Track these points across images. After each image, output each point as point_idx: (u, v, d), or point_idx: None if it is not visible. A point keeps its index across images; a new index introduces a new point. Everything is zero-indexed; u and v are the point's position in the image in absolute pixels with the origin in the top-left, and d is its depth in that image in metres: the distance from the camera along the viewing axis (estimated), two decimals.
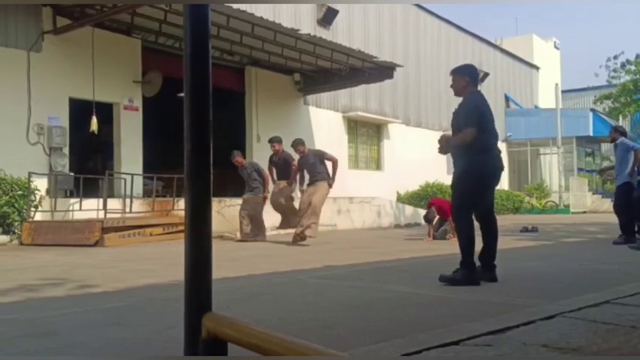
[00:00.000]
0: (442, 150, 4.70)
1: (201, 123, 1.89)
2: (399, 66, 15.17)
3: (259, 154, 15.51)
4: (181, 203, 11.36)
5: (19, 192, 9.66)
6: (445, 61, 22.40)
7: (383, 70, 15.08)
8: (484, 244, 4.82)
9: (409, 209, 15.98)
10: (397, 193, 19.68)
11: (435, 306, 3.82)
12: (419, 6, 22.49)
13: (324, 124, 17.64)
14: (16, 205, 9.58)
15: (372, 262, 6.45)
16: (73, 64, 11.40)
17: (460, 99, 4.86)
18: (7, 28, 10.62)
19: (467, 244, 4.57)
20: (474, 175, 4.60)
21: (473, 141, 4.51)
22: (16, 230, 9.64)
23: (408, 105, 21.37)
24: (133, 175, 11.08)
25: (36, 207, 10.12)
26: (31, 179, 9.99)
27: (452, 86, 4.88)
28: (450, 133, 4.90)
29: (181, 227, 10.73)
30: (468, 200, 4.68)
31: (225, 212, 11.39)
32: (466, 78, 4.80)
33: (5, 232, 9.52)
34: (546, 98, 31.21)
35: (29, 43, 10.91)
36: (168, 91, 13.51)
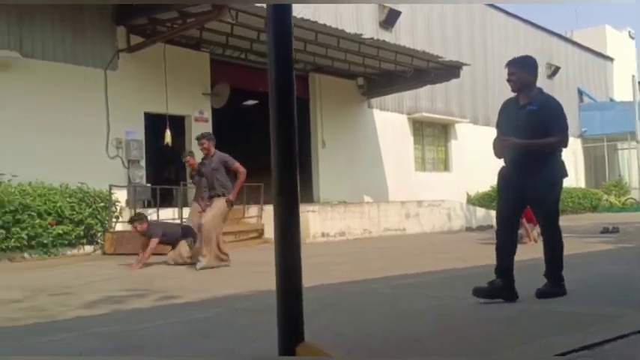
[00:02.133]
0: (504, 153, 4.32)
1: (287, 135, 1.89)
2: (465, 65, 14.84)
3: (325, 160, 15.63)
4: (251, 211, 11.60)
5: (101, 204, 10.14)
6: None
7: (449, 70, 14.80)
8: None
9: (480, 211, 15.58)
10: (467, 194, 19.24)
11: (521, 318, 3.69)
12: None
13: (388, 126, 17.51)
14: (98, 216, 10.07)
15: (447, 270, 6.32)
16: (146, 80, 11.87)
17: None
18: (85, 48, 11.20)
19: (562, 255, 4.37)
20: (561, 183, 4.39)
21: (558, 146, 4.30)
22: (99, 240, 10.12)
23: (476, 103, 20.86)
24: None
25: (117, 218, 10.60)
26: (112, 191, 10.48)
27: (511, 80, 4.37)
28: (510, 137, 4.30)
29: (252, 235, 10.96)
30: (558, 209, 4.47)
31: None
32: (532, 74, 4.38)
33: (89, 243, 10.02)
34: (622, 91, 29.63)
35: (106, 61, 11.46)
36: (235, 102, 13.80)
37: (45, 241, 9.17)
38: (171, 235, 7.92)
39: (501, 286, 4.13)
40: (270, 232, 11.08)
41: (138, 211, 9.50)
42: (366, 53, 13.63)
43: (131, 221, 7.98)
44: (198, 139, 7.78)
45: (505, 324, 3.52)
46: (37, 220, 9.06)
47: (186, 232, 8.07)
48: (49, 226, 9.15)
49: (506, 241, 4.27)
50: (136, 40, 11.66)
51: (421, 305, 4.24)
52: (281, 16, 1.79)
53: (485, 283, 4.16)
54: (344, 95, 16.32)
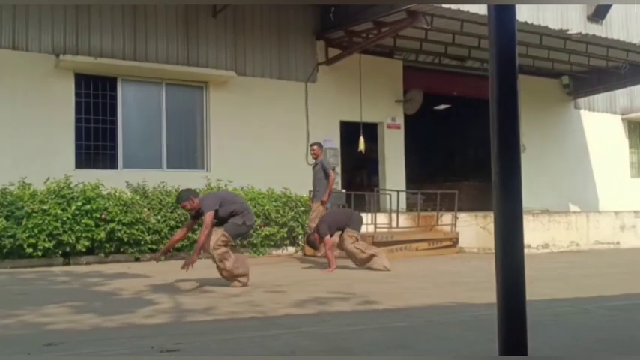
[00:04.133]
0: None
1: (509, 142, 1.80)
2: None
3: (526, 166, 14.65)
4: (445, 218, 11.38)
5: (302, 208, 10.80)
6: None
7: None
8: None
9: None
10: None
11: None
12: None
13: (598, 128, 15.91)
14: (299, 219, 10.74)
15: None
16: (342, 90, 12.40)
17: None
18: (289, 64, 12.09)
19: None
20: None
21: None
22: (300, 242, 10.79)
23: None
24: (398, 191, 11.51)
25: None
26: (311, 196, 11.09)
27: None
28: None
29: (446, 243, 10.74)
30: None
31: (492, 228, 11.00)
32: None
33: (292, 244, 10.74)
34: None
35: (306, 74, 12.22)
36: (427, 107, 13.71)
37: (255, 242, 10.06)
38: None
39: None
40: (464, 241, 10.76)
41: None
42: (573, 49, 12.61)
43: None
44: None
45: None
46: None
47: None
48: (258, 228, 10.01)
49: None
50: (333, 52, 12.24)
51: None
52: (504, 18, 1.70)
53: None
54: (546, 95, 15.25)
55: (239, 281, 6.01)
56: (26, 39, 9.69)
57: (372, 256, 7.76)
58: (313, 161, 9.39)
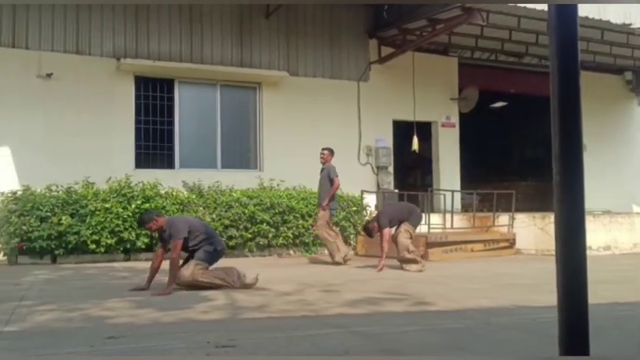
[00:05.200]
0: None
1: (571, 141, 1.74)
2: None
3: (586, 165, 14.15)
4: (501, 219, 11.12)
5: (354, 208, 10.79)
6: None
7: None
8: None
9: None
10: None
11: None
12: None
13: None
14: (351, 219, 10.74)
15: None
16: (395, 89, 12.30)
17: None
18: (341, 63, 12.09)
19: None
20: None
21: None
22: (352, 242, 10.78)
23: None
24: (453, 191, 11.32)
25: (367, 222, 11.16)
26: (363, 196, 11.07)
27: None
28: None
29: (502, 244, 10.48)
30: None
31: (550, 229, 10.66)
32: None
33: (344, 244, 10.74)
34: None
35: (358, 74, 12.20)
36: (484, 105, 13.41)
37: (306, 240, 10.13)
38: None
39: None
40: (522, 243, 10.48)
41: None
42: (636, 45, 12.09)
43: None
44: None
45: None
46: (301, 221, 10.05)
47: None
48: (310, 227, 10.07)
49: None
50: (386, 51, 12.16)
51: None
52: (565, 14, 1.65)
53: None
54: (608, 92, 14.65)
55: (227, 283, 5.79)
56: (89, 43, 10.10)
57: (415, 260, 7.74)
58: (322, 165, 8.92)
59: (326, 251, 9.26)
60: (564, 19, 1.65)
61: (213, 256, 5.92)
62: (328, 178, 8.68)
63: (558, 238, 1.67)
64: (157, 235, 6.31)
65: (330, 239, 8.67)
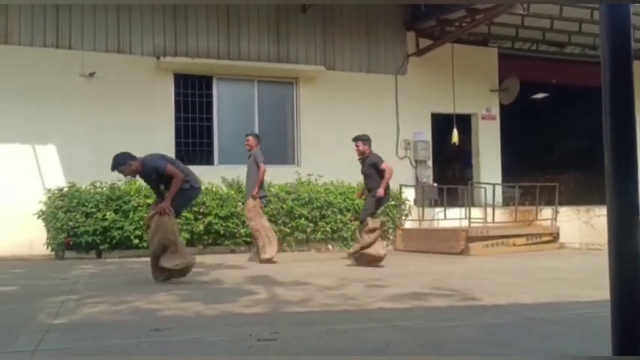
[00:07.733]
0: None
1: (624, 133, 1.68)
2: None
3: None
4: (544, 213, 10.86)
5: (392, 202, 10.70)
6: None
7: None
8: None
9: None
10: None
11: None
12: None
13: None
14: (389, 214, 10.66)
15: None
16: (433, 82, 12.12)
17: None
18: (378, 57, 12.00)
19: None
20: None
21: None
22: (390, 237, 10.71)
23: None
24: (494, 184, 11.11)
25: (406, 216, 11.09)
26: (402, 190, 10.98)
27: None
28: None
29: (545, 238, 10.24)
30: None
31: (595, 223, 10.37)
32: None
33: (382, 238, 10.66)
34: None
35: (396, 67, 12.08)
36: (525, 96, 13.10)
37: (345, 235, 10.11)
38: None
39: None
40: (565, 237, 10.22)
41: None
42: None
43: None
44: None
45: None
46: (339, 216, 10.04)
47: None
48: (348, 222, 10.04)
49: None
50: (424, 43, 12.00)
51: None
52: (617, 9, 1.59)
53: None
54: None
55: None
56: (130, 43, 10.31)
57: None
58: (248, 152, 8.36)
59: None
60: (615, 6, 1.59)
61: (189, 194, 5.90)
62: (255, 165, 8.06)
63: (611, 233, 1.61)
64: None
65: (262, 232, 7.94)
